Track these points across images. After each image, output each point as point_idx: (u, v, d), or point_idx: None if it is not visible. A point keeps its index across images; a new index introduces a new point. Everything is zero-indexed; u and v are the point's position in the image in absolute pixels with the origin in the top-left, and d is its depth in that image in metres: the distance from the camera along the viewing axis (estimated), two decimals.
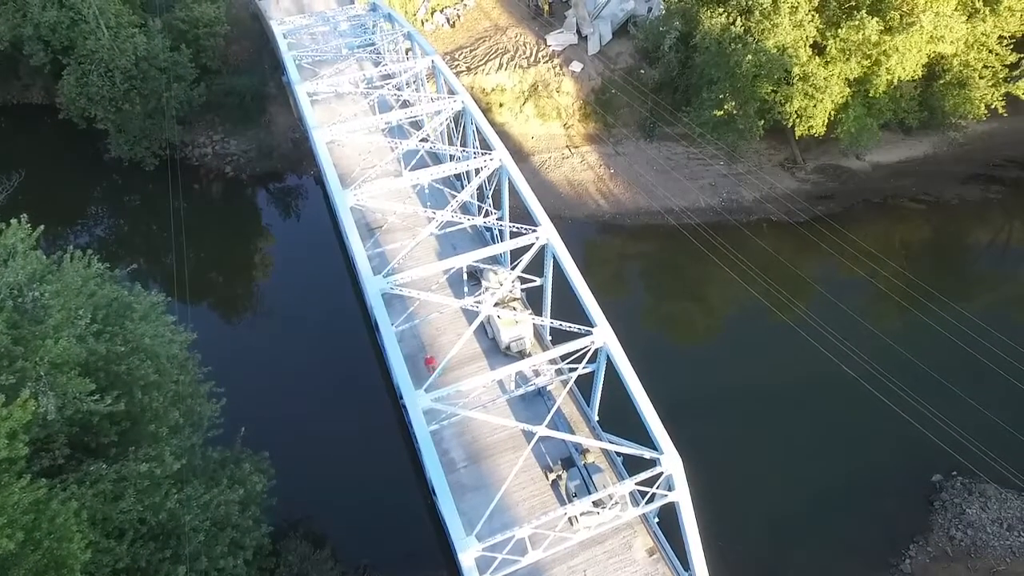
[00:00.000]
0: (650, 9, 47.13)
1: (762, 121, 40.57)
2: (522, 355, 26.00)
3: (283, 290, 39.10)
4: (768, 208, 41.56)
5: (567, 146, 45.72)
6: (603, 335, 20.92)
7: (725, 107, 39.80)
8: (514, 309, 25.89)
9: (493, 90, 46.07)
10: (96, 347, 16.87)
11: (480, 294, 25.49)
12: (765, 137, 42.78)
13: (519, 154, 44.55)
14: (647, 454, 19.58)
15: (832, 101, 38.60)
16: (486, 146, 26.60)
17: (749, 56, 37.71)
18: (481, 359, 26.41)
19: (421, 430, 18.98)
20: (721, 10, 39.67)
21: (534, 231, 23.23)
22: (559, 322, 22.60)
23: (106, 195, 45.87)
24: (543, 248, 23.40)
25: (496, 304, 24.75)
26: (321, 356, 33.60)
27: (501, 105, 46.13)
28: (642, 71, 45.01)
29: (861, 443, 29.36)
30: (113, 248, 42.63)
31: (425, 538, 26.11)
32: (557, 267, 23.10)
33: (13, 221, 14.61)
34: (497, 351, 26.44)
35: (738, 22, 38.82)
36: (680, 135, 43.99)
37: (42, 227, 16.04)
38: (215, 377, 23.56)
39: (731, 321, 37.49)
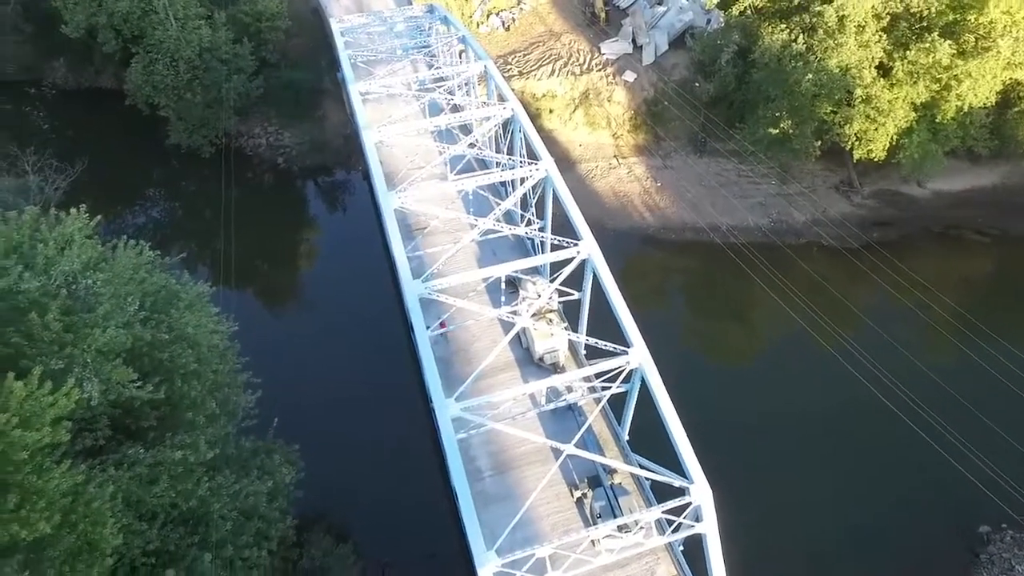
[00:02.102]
0: (709, 21, 46.27)
1: (819, 142, 39.37)
2: (555, 367, 25.80)
3: (325, 283, 39.80)
4: (819, 232, 40.31)
5: (615, 156, 45.26)
6: (639, 356, 20.54)
7: (781, 126, 38.77)
8: (550, 321, 25.70)
9: (544, 96, 45.94)
10: (142, 334, 17.39)
11: (517, 304, 25.37)
12: (821, 158, 41.51)
13: (566, 161, 44.32)
14: (676, 482, 19.13)
15: (895, 125, 37.19)
16: (533, 155, 26.46)
17: (810, 75, 36.62)
18: (513, 368, 26.29)
19: (448, 438, 18.97)
20: (783, 26, 38.64)
21: (575, 245, 22.97)
22: (594, 340, 22.30)
23: (163, 180, 47.47)
24: (583, 263, 23.14)
25: (532, 315, 24.58)
26: (358, 352, 34.02)
27: (551, 111, 45.97)
28: (696, 84, 44.22)
29: (903, 483, 28.18)
30: (167, 231, 44.14)
31: (447, 543, 26.11)
32: (596, 283, 22.80)
33: (72, 210, 15.23)
34: (530, 361, 26.29)
35: (800, 39, 37.75)
36: (731, 152, 43.05)
37: (99, 217, 16.66)
38: (252, 366, 24.09)
39: (771, 345, 36.54)
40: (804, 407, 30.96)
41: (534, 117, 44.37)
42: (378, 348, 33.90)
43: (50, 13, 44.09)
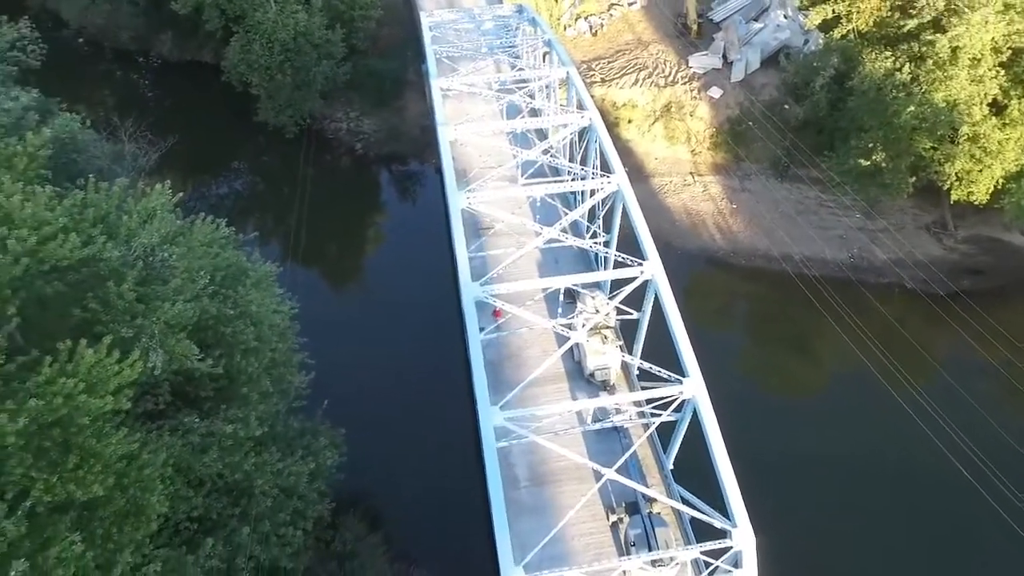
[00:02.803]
0: (806, 42, 44.29)
1: (913, 178, 36.98)
2: (605, 385, 25.29)
3: (388, 270, 40.46)
4: (901, 273, 37.95)
5: (691, 173, 44.05)
6: (694, 387, 19.84)
7: (873, 157, 36.58)
8: (605, 338, 25.18)
9: (624, 105, 45.18)
10: (209, 307, 18.06)
11: (574, 317, 25.02)
12: (913, 195, 39.04)
13: (639, 173, 43.43)
14: (718, 523, 18.38)
15: (1003, 168, 34.56)
16: (606, 167, 26.01)
17: (911, 107, 34.44)
18: (562, 380, 25.93)
19: (489, 446, 18.87)
20: (888, 53, 36.46)
21: (640, 264, 22.41)
22: (649, 364, 21.71)
23: (248, 154, 49.50)
24: (646, 283, 22.55)
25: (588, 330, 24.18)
26: (412, 342, 34.31)
27: (630, 121, 45.16)
28: (786, 106, 42.42)
29: (968, 555, 26.17)
30: (245, 203, 46.03)
31: (477, 545, 26.05)
32: (657, 305, 22.18)
33: (157, 186, 16.00)
34: (580, 375, 25.88)
35: (906, 68, 35.53)
36: (814, 179, 41.10)
37: (180, 194, 17.41)
38: (308, 347, 24.71)
39: (834, 386, 34.67)
40: (863, 456, 29.27)
41: (612, 126, 43.68)
42: (433, 341, 34.10)
43: None
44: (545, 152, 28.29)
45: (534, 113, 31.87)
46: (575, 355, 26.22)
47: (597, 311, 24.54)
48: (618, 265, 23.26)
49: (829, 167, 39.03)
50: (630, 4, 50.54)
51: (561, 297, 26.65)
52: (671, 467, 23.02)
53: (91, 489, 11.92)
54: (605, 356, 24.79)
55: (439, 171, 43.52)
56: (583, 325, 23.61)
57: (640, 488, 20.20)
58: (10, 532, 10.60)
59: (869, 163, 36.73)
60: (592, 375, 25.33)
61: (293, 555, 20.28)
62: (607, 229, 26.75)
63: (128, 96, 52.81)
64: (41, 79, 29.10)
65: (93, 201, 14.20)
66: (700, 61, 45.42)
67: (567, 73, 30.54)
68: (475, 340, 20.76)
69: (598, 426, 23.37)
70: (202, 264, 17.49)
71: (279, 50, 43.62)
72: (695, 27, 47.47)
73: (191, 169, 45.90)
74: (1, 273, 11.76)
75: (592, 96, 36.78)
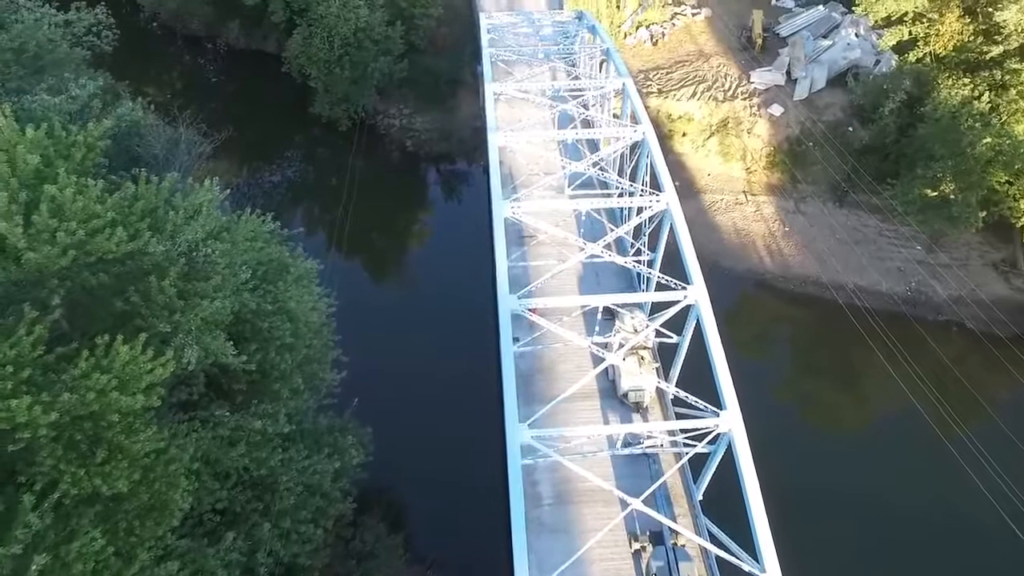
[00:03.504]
0: (877, 63, 42.42)
1: (984, 213, 35.03)
2: (638, 407, 24.67)
3: (427, 270, 40.54)
4: (962, 312, 36.04)
5: (743, 191, 42.77)
6: (731, 422, 19.07)
7: (941, 188, 34.81)
8: (642, 359, 24.54)
9: (680, 118, 44.17)
10: (249, 301, 18.25)
11: (611, 335, 24.47)
12: (982, 230, 37.02)
13: (689, 189, 42.43)
14: (746, 566, 17.63)
15: None
16: (656, 183, 25.33)
17: (988, 138, 32.60)
18: (594, 398, 25.39)
19: (514, 463, 18.55)
20: (967, 81, 34.59)
21: (684, 288, 21.71)
22: (685, 394, 21.03)
23: (301, 144, 50.30)
24: (688, 308, 21.83)
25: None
26: (447, 345, 34.20)
27: (684, 135, 44.13)
28: (850, 129, 40.74)
29: None
30: (294, 192, 46.77)
31: (496, 557, 25.74)
32: (698, 331, 21.44)
33: (206, 181, 16.24)
34: (612, 395, 25.30)
35: (985, 97, 33.65)
36: (873, 207, 39.36)
37: (228, 190, 17.62)
38: (342, 343, 24.81)
39: (880, 427, 33.10)
40: (906, 503, 27.83)
41: (665, 138, 42.78)
42: (468, 345, 33.85)
43: None
44: (595, 164, 27.77)
45: (586, 123, 31.38)
46: (609, 374, 25.67)
47: (636, 331, 23.93)
48: (661, 287, 22.58)
49: (892, 195, 37.35)
50: (694, 14, 49.41)
51: (599, 314, 26.12)
52: (700, 498, 22.28)
53: (116, 484, 12.13)
54: (640, 378, 24.17)
55: (487, 172, 43.50)
56: (620, 345, 23.04)
57: (666, 521, 19.58)
58: (35, 524, 10.88)
59: (936, 194, 34.96)
60: (625, 396, 24.74)
61: (312, 552, 20.38)
62: (652, 248, 26.07)
63: (193, 80, 54.55)
64: (114, 62, 30.17)
65: (142, 194, 14.46)
66: (762, 77, 44.03)
67: (623, 84, 29.90)
68: (508, 354, 20.41)
69: (627, 451, 22.79)
70: (245, 259, 17.68)
71: (339, 44, 44.19)
72: (760, 41, 46.05)
73: (246, 155, 47.00)
74: (49, 264, 12.13)
75: (647, 107, 36.10)
